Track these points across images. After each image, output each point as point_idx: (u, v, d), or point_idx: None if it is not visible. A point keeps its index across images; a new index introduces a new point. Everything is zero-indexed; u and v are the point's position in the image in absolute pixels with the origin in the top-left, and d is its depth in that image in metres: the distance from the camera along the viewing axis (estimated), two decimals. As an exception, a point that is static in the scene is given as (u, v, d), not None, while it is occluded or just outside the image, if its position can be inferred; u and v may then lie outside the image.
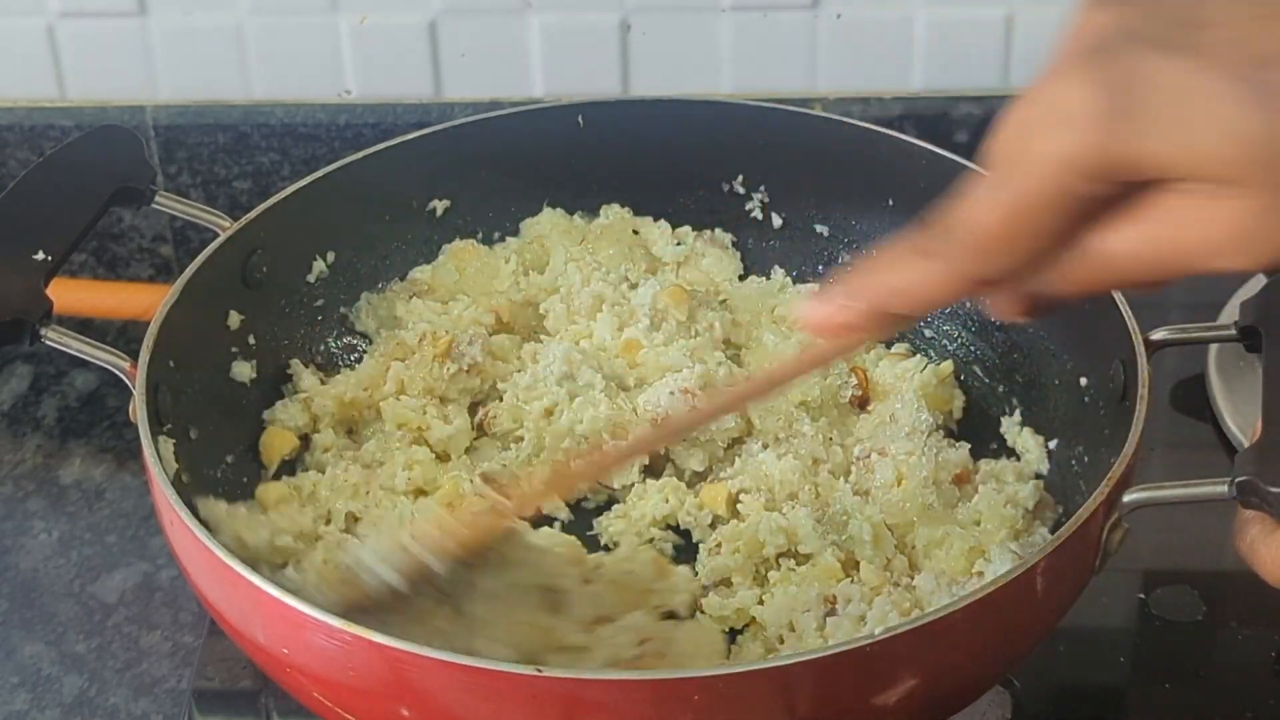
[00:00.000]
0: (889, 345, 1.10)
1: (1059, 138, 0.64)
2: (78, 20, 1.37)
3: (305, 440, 1.06)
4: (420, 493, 1.02)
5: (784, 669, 0.77)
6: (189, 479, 0.94)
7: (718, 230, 1.17)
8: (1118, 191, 0.65)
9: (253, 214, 1.05)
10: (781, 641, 0.92)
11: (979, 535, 0.96)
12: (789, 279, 1.16)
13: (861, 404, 1.07)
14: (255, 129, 1.40)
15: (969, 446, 1.02)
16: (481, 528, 0.86)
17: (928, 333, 1.12)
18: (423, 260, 1.15)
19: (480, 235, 1.16)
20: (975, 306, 1.09)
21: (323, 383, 1.07)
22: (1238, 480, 0.79)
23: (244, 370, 1.05)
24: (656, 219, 1.17)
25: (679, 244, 1.16)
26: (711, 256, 1.15)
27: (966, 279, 0.69)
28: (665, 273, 1.14)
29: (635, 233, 1.16)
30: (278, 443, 1.04)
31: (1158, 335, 0.94)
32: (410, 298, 1.12)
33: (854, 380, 1.06)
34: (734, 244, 1.17)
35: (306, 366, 1.08)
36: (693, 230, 1.17)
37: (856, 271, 0.72)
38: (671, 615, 0.95)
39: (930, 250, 0.69)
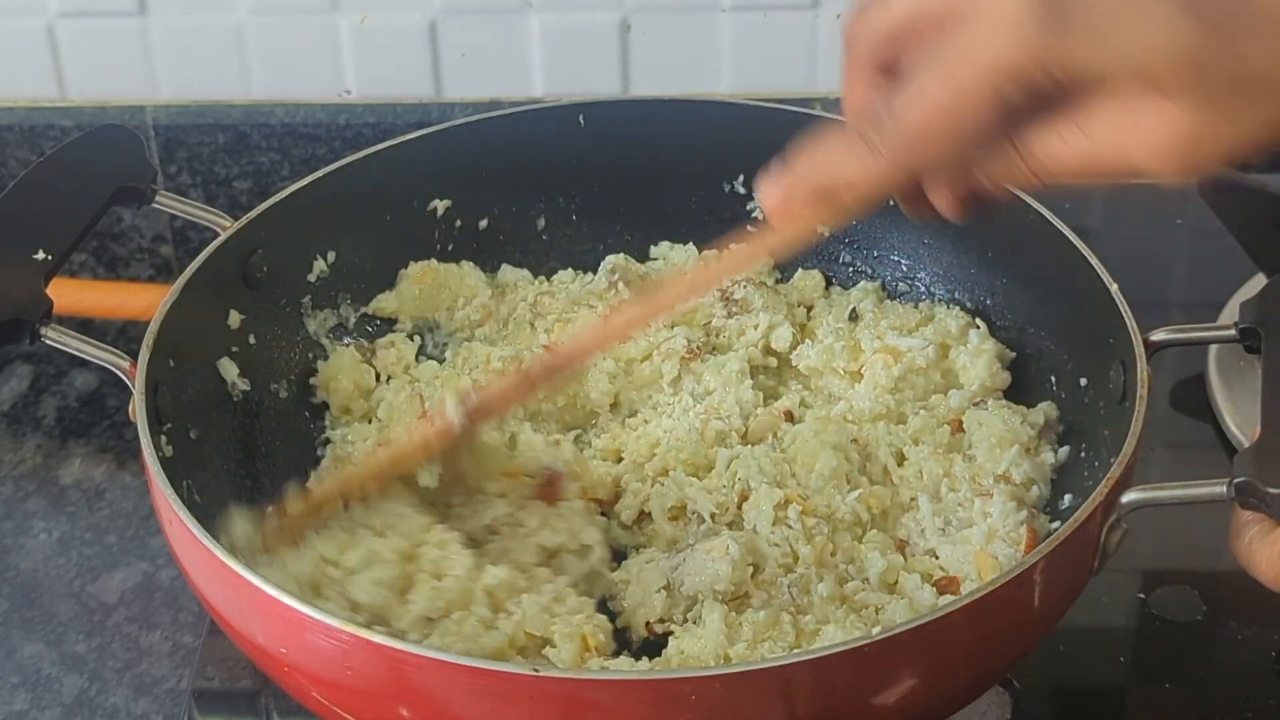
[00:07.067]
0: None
1: (993, 44, 0.67)
2: (78, 20, 1.37)
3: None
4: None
5: (784, 669, 0.77)
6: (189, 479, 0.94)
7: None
8: (1054, 94, 0.68)
9: (253, 214, 1.05)
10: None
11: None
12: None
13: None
14: (255, 129, 1.40)
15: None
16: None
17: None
18: (422, 260, 1.15)
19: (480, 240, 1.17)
20: (975, 306, 1.09)
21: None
22: (1236, 481, 0.79)
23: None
24: (657, 219, 1.17)
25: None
26: None
27: (903, 170, 0.73)
28: None
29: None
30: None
31: (1158, 336, 0.94)
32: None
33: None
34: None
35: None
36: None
37: (802, 154, 0.76)
38: None
39: (870, 140, 0.72)
